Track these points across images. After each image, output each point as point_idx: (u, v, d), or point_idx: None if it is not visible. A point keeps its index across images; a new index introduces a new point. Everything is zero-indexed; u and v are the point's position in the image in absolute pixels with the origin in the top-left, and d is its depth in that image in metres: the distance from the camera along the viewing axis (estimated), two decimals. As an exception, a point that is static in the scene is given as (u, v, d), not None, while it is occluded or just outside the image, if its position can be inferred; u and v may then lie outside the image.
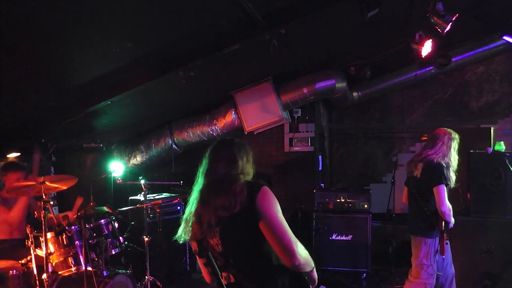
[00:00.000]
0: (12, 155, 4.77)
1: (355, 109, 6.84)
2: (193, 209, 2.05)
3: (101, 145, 6.09)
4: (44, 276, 3.36)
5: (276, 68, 5.43)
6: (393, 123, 6.73)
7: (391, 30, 4.88)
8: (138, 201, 5.14)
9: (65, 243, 3.64)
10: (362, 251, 5.27)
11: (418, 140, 6.37)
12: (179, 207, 5.50)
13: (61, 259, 3.63)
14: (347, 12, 4.00)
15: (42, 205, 3.42)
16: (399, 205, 6.11)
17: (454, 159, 3.64)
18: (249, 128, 5.73)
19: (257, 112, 5.67)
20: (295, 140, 6.26)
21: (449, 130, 3.74)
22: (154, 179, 6.15)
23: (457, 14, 3.89)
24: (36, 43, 3.10)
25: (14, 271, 3.56)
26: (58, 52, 3.35)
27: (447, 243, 3.57)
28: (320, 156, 6.30)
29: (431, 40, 4.52)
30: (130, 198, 5.38)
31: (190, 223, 2.04)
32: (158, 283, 4.56)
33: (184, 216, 2.09)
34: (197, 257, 2.11)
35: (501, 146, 4.80)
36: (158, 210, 4.73)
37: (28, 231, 3.45)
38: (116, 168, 5.22)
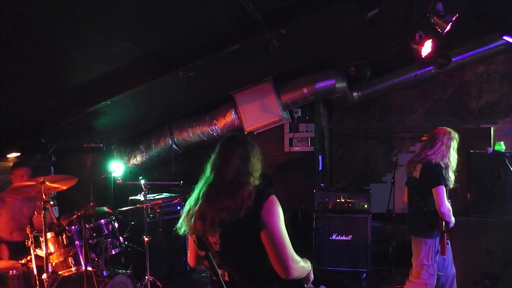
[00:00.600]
0: (12, 155, 4.77)
1: (355, 109, 6.84)
2: (198, 204, 2.01)
3: (101, 145, 6.09)
4: (44, 276, 3.36)
5: (276, 68, 5.43)
6: (393, 123, 6.73)
7: (391, 30, 4.88)
8: (138, 201, 5.14)
9: (65, 243, 3.64)
10: (362, 251, 5.27)
11: (418, 140, 6.37)
12: (179, 207, 5.49)
13: (61, 259, 3.62)
14: (347, 12, 4.00)
15: (42, 205, 3.43)
16: (399, 205, 6.12)
17: (453, 159, 3.64)
18: (249, 128, 5.73)
19: (257, 112, 5.67)
20: (295, 140, 6.26)
21: (448, 129, 3.73)
22: (154, 179, 6.15)
23: (457, 14, 3.89)
24: (36, 43, 3.09)
25: (14, 271, 3.56)
26: (58, 52, 3.35)
27: (447, 243, 3.57)
28: (320, 156, 6.30)
29: (431, 40, 4.52)
30: (130, 198, 5.38)
31: (193, 218, 2.01)
32: (158, 283, 4.56)
33: (186, 208, 2.07)
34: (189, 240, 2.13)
35: (501, 146, 4.80)
36: (158, 210, 4.73)
37: (28, 231, 3.44)
38: (116, 168, 5.22)
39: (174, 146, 6.14)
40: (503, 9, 5.00)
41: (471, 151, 4.54)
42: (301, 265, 1.98)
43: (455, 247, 3.82)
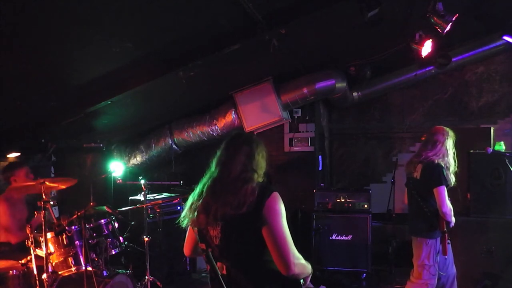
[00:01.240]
0: (12, 155, 4.77)
1: (355, 109, 6.84)
2: (201, 197, 2.05)
3: (101, 145, 6.09)
4: (44, 276, 3.37)
5: (276, 68, 5.43)
6: (393, 123, 6.73)
7: (391, 30, 4.88)
8: (138, 201, 5.14)
9: (65, 243, 3.64)
10: (362, 251, 5.27)
11: (418, 140, 6.36)
12: (179, 207, 5.49)
13: (61, 259, 3.63)
14: (347, 12, 4.00)
15: (42, 205, 3.43)
16: (399, 205, 6.11)
17: (453, 158, 3.64)
18: (249, 128, 5.73)
19: (257, 112, 5.67)
20: (295, 140, 6.26)
21: (446, 128, 3.74)
22: (154, 179, 6.15)
23: (457, 14, 3.89)
24: (36, 43, 3.09)
25: (14, 271, 3.56)
26: (58, 52, 3.35)
27: (448, 243, 3.57)
28: (320, 156, 6.30)
29: (431, 40, 4.52)
30: (130, 198, 5.38)
31: (196, 211, 2.06)
32: (158, 283, 4.56)
33: (190, 201, 2.11)
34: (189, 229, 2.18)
35: (501, 146, 4.80)
36: (158, 210, 4.73)
37: (28, 231, 3.44)
38: (116, 168, 5.22)
39: (174, 146, 6.14)
40: (503, 9, 5.00)
41: (471, 151, 4.55)
42: (302, 263, 1.99)
43: (455, 247, 3.82)
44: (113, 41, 3.43)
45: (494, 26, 5.38)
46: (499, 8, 4.98)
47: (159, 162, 6.41)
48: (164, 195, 5.61)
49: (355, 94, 6.35)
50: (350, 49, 5.55)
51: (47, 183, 3.52)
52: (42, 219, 3.41)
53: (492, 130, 4.97)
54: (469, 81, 6.35)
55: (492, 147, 4.67)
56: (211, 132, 5.90)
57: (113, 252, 3.98)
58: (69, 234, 3.63)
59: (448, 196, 3.54)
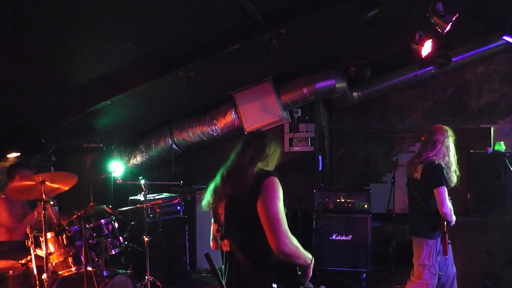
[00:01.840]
0: (12, 155, 4.77)
1: (355, 109, 6.84)
2: (216, 183, 2.33)
3: (101, 145, 6.09)
4: (44, 276, 3.36)
5: (276, 68, 5.43)
6: (393, 123, 6.73)
7: (391, 30, 4.88)
8: (138, 201, 5.14)
9: (65, 243, 3.64)
10: (362, 251, 5.27)
11: (418, 140, 6.36)
12: (179, 207, 5.49)
13: (61, 259, 3.63)
14: (347, 12, 4.00)
15: (42, 205, 3.43)
16: (399, 205, 6.12)
17: (453, 158, 3.64)
18: (249, 128, 5.73)
19: (257, 112, 5.67)
20: (295, 140, 6.26)
21: (445, 127, 3.73)
22: (154, 179, 6.15)
23: (457, 14, 3.89)
24: (36, 43, 3.09)
25: (14, 271, 3.56)
26: (58, 52, 3.35)
27: (449, 243, 3.57)
28: (320, 156, 6.30)
29: (431, 40, 4.52)
30: (130, 198, 5.38)
31: (210, 194, 2.34)
32: (158, 283, 4.56)
33: (210, 187, 2.37)
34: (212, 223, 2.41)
35: (501, 146, 4.80)
36: (158, 210, 4.73)
37: (28, 231, 3.44)
38: (116, 168, 5.21)
39: (174, 146, 6.14)
40: (503, 9, 5.00)
41: (471, 151, 4.55)
42: (296, 245, 2.06)
43: (455, 247, 3.83)
44: (113, 41, 3.43)
45: (494, 26, 5.38)
46: (499, 8, 4.98)
47: (159, 162, 6.41)
48: (164, 195, 5.61)
49: (355, 94, 6.35)
50: (350, 49, 5.55)
51: (47, 182, 3.52)
52: (42, 219, 3.40)
53: (492, 130, 4.97)
54: (469, 81, 6.35)
55: (492, 147, 4.67)
56: (211, 132, 5.90)
57: (113, 252, 3.98)
58: (69, 234, 3.63)
59: (449, 196, 3.54)
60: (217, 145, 6.52)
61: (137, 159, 6.22)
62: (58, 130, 4.88)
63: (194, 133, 5.96)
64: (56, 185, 3.66)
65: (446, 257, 3.61)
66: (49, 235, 3.57)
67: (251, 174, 2.17)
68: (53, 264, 3.59)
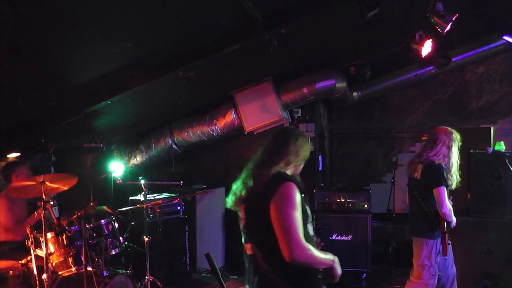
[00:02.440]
0: (12, 155, 4.77)
1: (355, 109, 6.84)
2: (239, 181, 2.25)
3: (101, 145, 6.09)
4: (44, 276, 3.37)
5: (276, 68, 5.43)
6: (393, 123, 6.73)
7: (391, 30, 4.88)
8: (138, 201, 5.13)
9: (65, 243, 3.64)
10: (362, 251, 5.27)
11: (418, 140, 6.37)
12: (179, 207, 5.49)
13: (61, 259, 3.63)
14: (347, 12, 4.00)
15: (42, 205, 3.43)
16: (399, 205, 6.12)
17: (455, 159, 3.62)
18: (249, 128, 5.73)
19: (257, 112, 5.67)
20: (295, 140, 6.25)
21: (449, 129, 3.70)
22: (154, 179, 6.14)
23: (457, 14, 3.89)
24: (36, 43, 3.09)
25: (14, 271, 3.56)
26: (58, 52, 3.35)
27: (449, 243, 3.57)
28: (320, 156, 6.30)
29: (431, 40, 4.52)
30: (130, 198, 5.38)
31: (234, 194, 2.24)
32: (158, 283, 4.56)
33: (233, 187, 2.28)
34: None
35: (501, 146, 4.80)
36: (158, 210, 4.72)
37: (28, 231, 3.44)
38: (116, 168, 5.21)
39: (174, 146, 6.13)
40: (503, 9, 5.01)
41: (471, 151, 4.55)
42: (310, 254, 2.02)
43: (455, 247, 3.83)
44: (113, 41, 3.43)
45: (494, 26, 5.38)
46: (499, 8, 4.98)
47: (159, 162, 6.41)
48: (164, 195, 5.61)
49: (355, 94, 6.35)
50: (350, 49, 5.55)
51: (47, 183, 3.52)
52: (42, 218, 3.40)
53: (492, 130, 4.97)
54: (469, 81, 6.35)
55: (492, 147, 4.67)
56: (211, 132, 5.89)
57: (113, 252, 3.98)
58: (69, 234, 3.63)
59: (450, 196, 3.54)
60: (217, 145, 6.52)
61: (137, 159, 6.22)
62: (58, 130, 4.89)
63: (194, 133, 5.96)
64: (56, 185, 3.66)
65: (446, 257, 3.60)
66: (49, 235, 3.57)
67: (267, 177, 2.10)
68: (53, 264, 3.59)
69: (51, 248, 3.60)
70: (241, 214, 2.20)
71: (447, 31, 3.98)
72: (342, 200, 5.46)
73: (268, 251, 2.09)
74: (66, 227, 3.55)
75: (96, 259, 3.76)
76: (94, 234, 3.82)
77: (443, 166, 3.55)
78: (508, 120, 6.18)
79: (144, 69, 4.14)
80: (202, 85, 5.12)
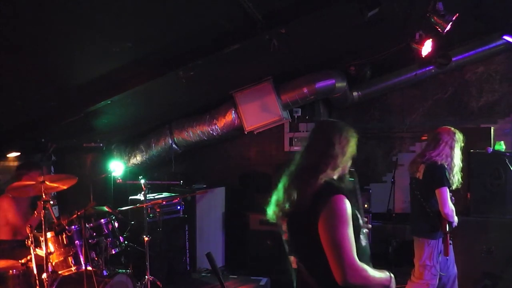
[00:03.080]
0: (12, 155, 4.77)
1: (355, 109, 6.84)
2: (279, 189, 2.04)
3: (101, 145, 6.08)
4: (44, 275, 3.37)
5: (276, 68, 5.43)
6: (393, 123, 6.72)
7: (391, 30, 4.88)
8: (138, 200, 5.14)
9: (65, 242, 3.64)
10: (362, 251, 5.26)
11: (418, 140, 6.37)
12: (179, 207, 5.49)
13: (61, 258, 3.63)
14: (347, 12, 4.00)
15: (42, 205, 3.43)
16: (399, 205, 6.12)
17: (457, 159, 3.62)
18: (249, 128, 5.73)
19: (257, 111, 5.67)
20: (295, 139, 6.26)
21: (452, 129, 3.70)
22: (154, 179, 6.14)
23: (457, 14, 3.89)
24: (36, 43, 3.09)
25: (14, 270, 3.56)
26: (58, 52, 3.35)
27: (450, 244, 3.57)
28: (320, 156, 6.29)
29: (431, 40, 4.51)
30: (130, 197, 5.38)
31: (274, 204, 2.05)
32: (158, 283, 4.56)
33: (273, 198, 2.07)
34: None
35: (501, 146, 4.80)
36: (158, 210, 4.73)
37: (28, 231, 3.45)
38: (116, 167, 5.21)
39: (174, 145, 6.14)
40: (503, 9, 5.00)
41: (471, 151, 4.54)
42: (365, 275, 1.85)
43: (455, 247, 3.83)
44: (113, 41, 3.43)
45: (494, 26, 5.38)
46: (499, 8, 4.98)
47: (159, 162, 6.41)
48: (164, 194, 5.61)
49: (355, 94, 6.35)
50: (350, 49, 5.55)
51: (47, 182, 3.52)
52: (42, 218, 3.40)
53: (492, 130, 4.97)
54: (469, 81, 6.34)
55: (492, 147, 4.67)
56: (211, 132, 5.90)
57: (113, 252, 3.98)
58: (69, 234, 3.63)
59: (451, 197, 3.53)
60: (217, 145, 6.52)
61: (137, 159, 6.22)
62: (58, 130, 4.88)
63: (194, 133, 5.96)
64: (55, 184, 3.67)
65: (448, 257, 3.60)
66: (49, 234, 3.57)
67: (313, 188, 1.87)
68: (53, 263, 3.59)
69: (51, 248, 3.60)
70: (283, 227, 2.03)
71: (447, 31, 3.97)
72: (342, 200, 5.45)
73: (316, 270, 1.94)
74: (66, 227, 3.55)
75: (96, 259, 3.76)
76: (94, 234, 3.81)
77: (445, 166, 3.55)
78: (508, 120, 6.18)
79: (144, 69, 4.13)
80: (202, 85, 5.12)
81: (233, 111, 5.76)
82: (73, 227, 3.67)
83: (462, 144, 3.68)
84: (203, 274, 5.62)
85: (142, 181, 4.73)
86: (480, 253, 4.42)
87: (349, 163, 2.05)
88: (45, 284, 3.35)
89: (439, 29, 3.99)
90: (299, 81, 5.59)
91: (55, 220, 3.70)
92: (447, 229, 3.49)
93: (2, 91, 3.67)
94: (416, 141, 6.48)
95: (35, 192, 3.60)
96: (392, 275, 2.00)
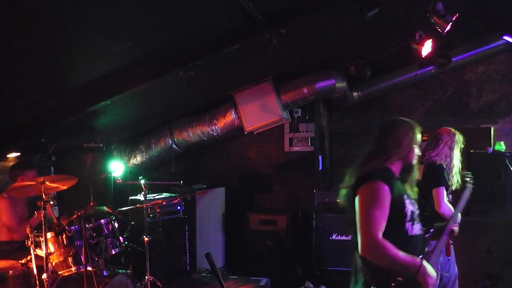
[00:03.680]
0: (12, 155, 4.77)
1: (355, 109, 6.83)
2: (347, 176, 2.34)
3: (101, 145, 6.09)
4: (44, 276, 3.36)
5: (276, 68, 5.43)
6: (393, 123, 6.71)
7: (391, 30, 4.88)
8: (138, 201, 5.14)
9: (65, 243, 3.64)
10: (362, 251, 5.26)
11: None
12: (179, 207, 5.49)
13: (61, 259, 3.63)
14: (347, 12, 4.00)
15: (42, 205, 3.43)
16: (399, 205, 6.09)
17: (456, 160, 3.62)
18: (249, 128, 5.73)
19: (257, 112, 5.67)
20: (295, 140, 6.26)
21: (452, 130, 3.70)
22: (154, 179, 6.15)
23: (457, 14, 3.89)
24: (36, 43, 3.09)
25: (14, 271, 3.55)
26: (58, 52, 3.35)
27: (451, 244, 3.57)
28: (320, 156, 6.30)
29: (431, 40, 4.51)
30: (130, 198, 5.38)
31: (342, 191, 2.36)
32: (158, 283, 4.56)
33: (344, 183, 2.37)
34: None
35: (501, 146, 4.80)
36: (158, 210, 4.73)
37: (28, 231, 3.44)
38: (116, 168, 5.22)
39: (174, 146, 6.14)
40: (503, 9, 5.00)
41: (471, 151, 4.54)
42: (385, 251, 2.00)
43: (455, 246, 3.83)
44: (113, 41, 3.43)
45: (494, 26, 5.37)
46: (499, 8, 4.98)
47: (159, 162, 6.41)
48: (164, 195, 5.61)
49: (355, 94, 6.35)
50: (350, 49, 5.55)
51: (47, 183, 3.52)
52: (42, 218, 3.40)
53: (492, 130, 4.97)
54: (469, 81, 6.34)
55: (492, 147, 4.67)
56: (211, 132, 5.89)
57: (113, 252, 3.98)
58: (69, 234, 3.63)
59: (449, 195, 3.53)
60: (217, 145, 6.52)
61: (137, 159, 6.22)
62: (58, 130, 4.88)
63: (194, 133, 5.96)
64: (55, 185, 3.67)
65: (449, 257, 3.60)
66: (49, 235, 3.57)
67: (361, 172, 2.20)
68: (53, 264, 3.59)
69: (51, 248, 3.60)
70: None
71: (447, 31, 3.97)
72: (342, 200, 5.45)
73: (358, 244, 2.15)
74: (66, 227, 3.55)
75: (96, 259, 3.76)
76: (94, 234, 3.81)
77: (444, 166, 3.55)
78: (508, 120, 6.17)
79: (144, 69, 4.14)
80: (202, 85, 5.12)
81: (233, 111, 5.76)
82: (73, 227, 3.67)
83: (462, 146, 3.68)
84: (203, 274, 5.61)
85: (142, 182, 4.73)
86: (480, 253, 4.42)
87: (412, 154, 2.27)
88: (45, 284, 3.34)
89: (439, 29, 3.99)
90: (299, 81, 5.59)
91: (55, 221, 3.69)
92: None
93: (2, 91, 3.67)
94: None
95: (35, 193, 3.60)
96: (426, 264, 2.06)
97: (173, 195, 5.64)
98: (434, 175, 3.52)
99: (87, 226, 3.72)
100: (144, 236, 4.46)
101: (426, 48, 4.56)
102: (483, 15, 5.05)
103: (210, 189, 5.90)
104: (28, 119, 4.51)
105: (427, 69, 5.91)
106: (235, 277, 5.38)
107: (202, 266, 5.70)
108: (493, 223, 4.43)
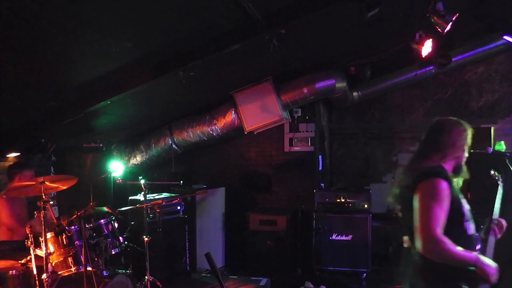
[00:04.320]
0: (12, 155, 4.77)
1: (355, 109, 6.84)
2: (400, 176, 2.37)
3: (101, 145, 6.09)
4: (44, 276, 3.36)
5: (276, 68, 5.43)
6: (393, 123, 6.72)
7: (391, 30, 4.88)
8: (138, 201, 5.14)
9: (65, 243, 3.63)
10: (362, 251, 5.27)
11: (418, 140, 6.35)
12: (179, 207, 5.49)
13: (61, 259, 3.62)
14: (347, 12, 4.00)
15: (42, 205, 3.43)
16: (399, 205, 6.10)
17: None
18: (249, 128, 5.73)
19: (257, 112, 5.67)
20: (295, 140, 6.26)
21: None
22: (154, 179, 6.15)
23: (457, 14, 3.89)
24: (36, 42, 3.09)
25: (14, 271, 3.55)
26: (58, 52, 3.35)
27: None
28: (320, 156, 6.30)
29: (431, 40, 4.51)
30: (130, 198, 5.38)
31: (393, 189, 2.38)
32: (158, 283, 4.56)
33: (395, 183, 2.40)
34: None
35: (501, 146, 4.80)
36: (158, 210, 4.73)
37: (27, 231, 3.44)
38: (116, 168, 5.22)
39: (174, 146, 6.14)
40: (503, 9, 5.00)
41: (471, 151, 4.53)
42: (444, 247, 2.00)
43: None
44: (113, 41, 3.43)
45: (494, 26, 5.38)
46: (499, 8, 4.98)
47: (159, 162, 6.41)
48: (164, 195, 5.61)
49: (355, 94, 6.35)
50: (350, 49, 5.55)
51: (47, 183, 3.52)
52: (42, 219, 3.40)
53: (492, 130, 4.97)
54: (469, 81, 6.35)
55: (492, 147, 4.67)
56: (211, 132, 5.90)
57: (113, 252, 3.98)
58: (69, 234, 3.63)
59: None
60: (217, 145, 6.52)
61: (137, 159, 6.22)
62: (58, 130, 4.88)
63: (194, 133, 5.96)
64: (55, 185, 3.66)
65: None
66: (49, 235, 3.57)
67: (418, 171, 2.17)
68: (53, 264, 3.58)
69: (51, 248, 3.59)
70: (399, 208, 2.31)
71: (447, 31, 3.97)
72: (342, 200, 5.46)
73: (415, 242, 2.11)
74: (66, 227, 3.55)
75: (96, 259, 3.75)
76: (94, 234, 3.81)
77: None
78: (508, 120, 6.18)
79: (144, 69, 4.14)
80: (202, 85, 5.12)
81: (233, 111, 5.76)
82: (73, 227, 3.67)
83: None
84: (203, 275, 5.61)
85: (142, 182, 4.72)
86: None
87: (464, 155, 2.39)
88: (45, 284, 3.34)
89: (439, 29, 3.99)
90: (299, 81, 5.60)
91: (55, 221, 3.69)
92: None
93: (2, 91, 3.67)
94: (416, 141, 6.45)
95: (34, 193, 3.60)
96: (482, 256, 2.17)
97: (173, 195, 5.64)
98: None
99: (87, 226, 3.72)
100: (144, 236, 4.46)
101: (426, 48, 4.56)
102: (483, 15, 5.05)
103: (210, 189, 5.90)
104: (28, 119, 4.51)
105: (427, 69, 5.91)
106: (235, 277, 5.38)
107: (202, 266, 5.70)
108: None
